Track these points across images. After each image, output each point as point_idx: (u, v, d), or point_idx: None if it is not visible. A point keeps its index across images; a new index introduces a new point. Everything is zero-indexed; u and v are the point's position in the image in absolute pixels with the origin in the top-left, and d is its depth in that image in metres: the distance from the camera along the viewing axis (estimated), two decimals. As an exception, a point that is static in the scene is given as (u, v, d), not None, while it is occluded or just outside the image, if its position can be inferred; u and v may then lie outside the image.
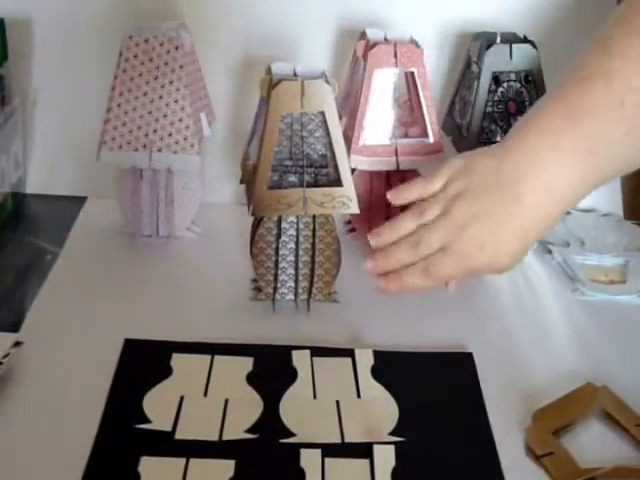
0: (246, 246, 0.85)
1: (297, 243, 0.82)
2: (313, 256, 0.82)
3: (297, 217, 0.82)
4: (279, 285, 0.83)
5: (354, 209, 0.80)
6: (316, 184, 0.80)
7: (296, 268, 0.83)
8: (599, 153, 0.66)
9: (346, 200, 0.79)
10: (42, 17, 1.01)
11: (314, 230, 0.82)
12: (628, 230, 0.99)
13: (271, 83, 0.78)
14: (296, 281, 0.84)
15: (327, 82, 0.78)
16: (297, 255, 0.83)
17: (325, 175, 0.80)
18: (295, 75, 0.80)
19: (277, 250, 0.82)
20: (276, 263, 0.83)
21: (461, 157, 0.73)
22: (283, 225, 0.82)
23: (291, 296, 0.84)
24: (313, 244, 0.82)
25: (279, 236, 0.82)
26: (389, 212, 0.94)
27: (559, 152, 0.67)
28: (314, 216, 0.81)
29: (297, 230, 0.82)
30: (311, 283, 0.83)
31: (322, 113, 0.78)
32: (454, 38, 1.01)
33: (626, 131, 0.65)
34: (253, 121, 0.84)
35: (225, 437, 0.68)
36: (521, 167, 0.68)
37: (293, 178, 0.80)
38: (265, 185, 0.79)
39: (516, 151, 0.69)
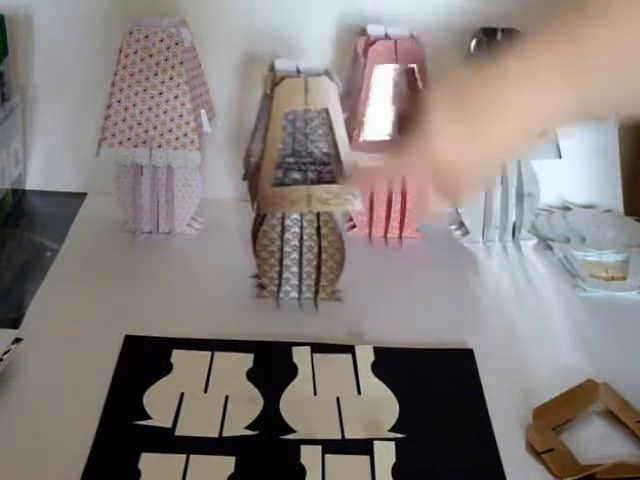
0: (247, 243, 0.85)
1: (301, 240, 0.82)
2: (319, 254, 0.82)
3: (300, 214, 0.81)
4: (283, 283, 0.83)
5: (358, 206, 0.80)
6: (320, 181, 0.80)
7: (300, 266, 0.83)
8: (581, 66, 0.63)
9: (350, 197, 0.79)
10: (42, 13, 1.01)
11: (318, 228, 0.82)
12: (629, 226, 0.99)
13: (274, 80, 0.78)
14: (300, 279, 0.83)
15: (331, 79, 0.78)
16: (301, 253, 0.83)
17: (329, 172, 0.80)
18: (298, 72, 0.80)
19: (281, 247, 0.82)
20: (280, 260, 0.83)
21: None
22: (286, 222, 0.82)
23: (294, 294, 0.84)
24: (318, 242, 0.82)
25: (282, 233, 0.82)
26: (390, 208, 0.95)
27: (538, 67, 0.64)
28: (318, 213, 0.81)
29: (301, 227, 0.82)
30: (317, 282, 0.83)
31: (326, 110, 0.78)
32: (455, 34, 1.01)
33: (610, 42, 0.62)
34: (255, 118, 0.84)
35: (225, 433, 0.68)
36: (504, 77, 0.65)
37: (297, 175, 0.80)
38: (269, 182, 0.79)
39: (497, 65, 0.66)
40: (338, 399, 0.72)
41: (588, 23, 0.63)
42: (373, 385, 0.73)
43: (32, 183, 1.03)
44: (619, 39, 0.63)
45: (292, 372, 0.74)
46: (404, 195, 0.94)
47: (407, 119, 0.71)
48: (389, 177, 0.75)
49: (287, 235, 0.82)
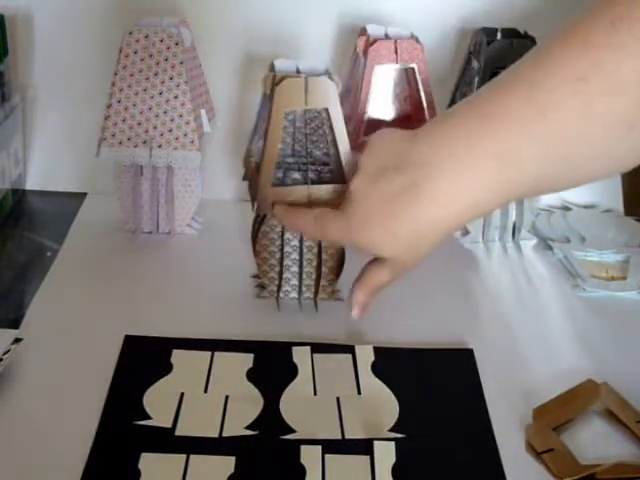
0: (247, 243, 0.85)
1: (301, 241, 0.82)
2: (319, 254, 0.82)
3: (300, 214, 0.81)
4: (283, 283, 0.83)
5: None
6: (320, 181, 0.80)
7: (300, 266, 0.83)
8: (509, 164, 0.60)
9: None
10: (42, 13, 1.01)
11: None
12: (629, 226, 0.99)
13: (274, 80, 0.78)
14: (300, 279, 0.84)
15: (331, 78, 0.78)
16: (301, 253, 0.83)
17: (329, 172, 0.80)
18: (298, 72, 0.80)
19: (281, 248, 0.82)
20: (280, 261, 0.83)
21: (373, 136, 0.70)
22: None
23: (295, 294, 0.84)
24: (318, 242, 0.82)
25: (283, 233, 0.82)
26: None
27: (466, 153, 0.62)
28: (318, 213, 0.81)
29: (300, 227, 0.82)
30: (317, 282, 0.83)
31: (326, 110, 0.78)
32: (455, 34, 1.01)
33: (544, 147, 0.59)
34: (255, 118, 0.84)
35: (225, 433, 0.68)
36: (425, 158, 0.63)
37: (297, 175, 0.80)
38: (269, 182, 0.79)
39: (426, 141, 0.64)
40: (338, 399, 0.72)
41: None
42: (373, 385, 0.73)
43: (32, 183, 1.03)
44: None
45: (292, 372, 0.74)
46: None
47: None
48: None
49: (287, 235, 0.82)
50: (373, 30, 0.92)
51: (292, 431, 0.68)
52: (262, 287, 0.84)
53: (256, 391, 0.72)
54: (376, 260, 0.70)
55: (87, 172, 1.01)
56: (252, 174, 0.82)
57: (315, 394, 0.72)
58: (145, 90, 0.89)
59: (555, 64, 0.59)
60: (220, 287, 0.86)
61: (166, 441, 0.66)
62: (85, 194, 1.01)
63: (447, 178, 0.62)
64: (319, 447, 0.66)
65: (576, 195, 1.03)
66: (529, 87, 0.59)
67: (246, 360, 0.75)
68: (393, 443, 0.66)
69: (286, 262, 0.83)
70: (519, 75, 0.61)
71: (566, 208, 1.02)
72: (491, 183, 0.62)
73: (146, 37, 0.88)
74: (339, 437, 0.68)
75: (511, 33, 0.93)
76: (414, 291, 0.87)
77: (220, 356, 0.75)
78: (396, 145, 0.66)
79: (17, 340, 0.74)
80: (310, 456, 0.65)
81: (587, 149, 0.60)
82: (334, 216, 0.69)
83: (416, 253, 0.67)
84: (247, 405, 0.70)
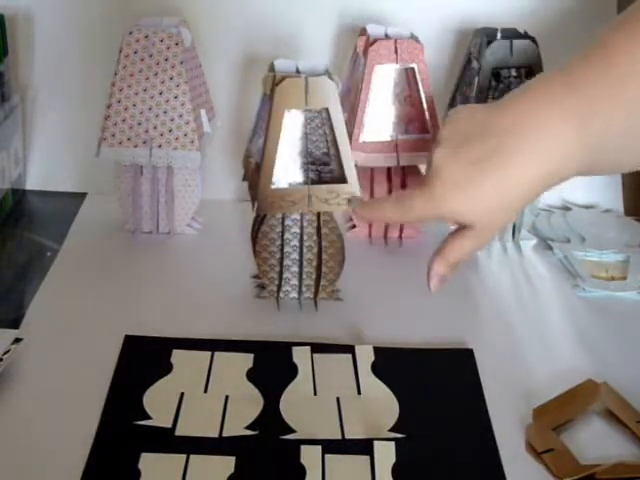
0: (247, 243, 0.85)
1: (301, 240, 0.82)
2: (319, 254, 0.82)
3: (300, 214, 0.81)
4: (283, 283, 0.83)
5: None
6: (320, 181, 0.80)
7: (300, 266, 0.83)
8: (593, 126, 0.63)
9: (350, 197, 0.79)
10: (42, 13, 1.01)
11: (318, 228, 0.82)
12: (629, 226, 0.99)
13: (274, 80, 0.78)
14: (300, 279, 0.84)
15: (331, 78, 0.78)
16: (301, 253, 0.83)
17: (329, 172, 0.80)
18: (298, 72, 0.80)
19: (281, 248, 0.82)
20: (280, 261, 0.83)
21: (452, 111, 0.71)
22: (287, 222, 0.82)
23: (295, 294, 0.84)
24: (318, 242, 0.82)
25: (283, 233, 0.82)
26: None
27: (549, 118, 0.64)
28: (318, 213, 0.81)
29: (301, 227, 0.82)
30: (317, 282, 0.83)
31: (326, 110, 0.78)
32: (455, 34, 1.01)
33: (625, 115, 0.62)
34: (255, 118, 0.84)
35: (225, 433, 0.68)
36: (508, 126, 0.65)
37: (297, 175, 0.80)
38: (270, 182, 0.79)
39: (507, 109, 0.66)
40: (338, 399, 0.72)
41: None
42: (373, 385, 0.73)
43: (32, 183, 1.03)
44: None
45: (292, 372, 0.74)
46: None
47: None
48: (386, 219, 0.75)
49: (287, 235, 0.82)
50: (373, 30, 0.92)
51: (292, 431, 0.68)
52: (262, 287, 0.84)
53: (256, 391, 0.72)
54: (457, 232, 0.70)
55: (87, 172, 1.01)
56: (252, 174, 0.82)
57: (315, 394, 0.72)
58: (145, 90, 0.88)
59: (637, 32, 0.61)
60: (220, 287, 0.86)
61: (166, 441, 0.66)
62: (85, 194, 1.01)
63: (531, 144, 0.64)
64: (319, 447, 0.66)
65: (576, 195, 1.03)
66: (607, 57, 0.62)
67: (246, 360, 0.75)
68: (393, 443, 0.66)
69: (286, 262, 0.83)
70: (597, 46, 0.63)
71: (566, 208, 1.02)
72: (573, 149, 0.63)
73: (146, 37, 0.88)
74: (339, 437, 0.68)
75: (511, 33, 0.93)
76: (414, 291, 0.87)
77: (220, 356, 0.75)
78: (477, 116, 0.68)
79: (17, 340, 0.74)
80: (310, 456, 0.65)
81: None
82: (414, 193, 0.69)
83: (499, 220, 0.68)
84: (247, 405, 0.70)
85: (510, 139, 0.65)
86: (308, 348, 0.76)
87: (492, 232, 0.70)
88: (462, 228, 0.69)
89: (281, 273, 0.83)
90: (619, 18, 0.63)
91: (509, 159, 0.65)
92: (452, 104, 0.98)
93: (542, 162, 0.64)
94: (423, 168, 0.90)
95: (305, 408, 0.70)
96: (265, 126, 0.79)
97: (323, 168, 0.80)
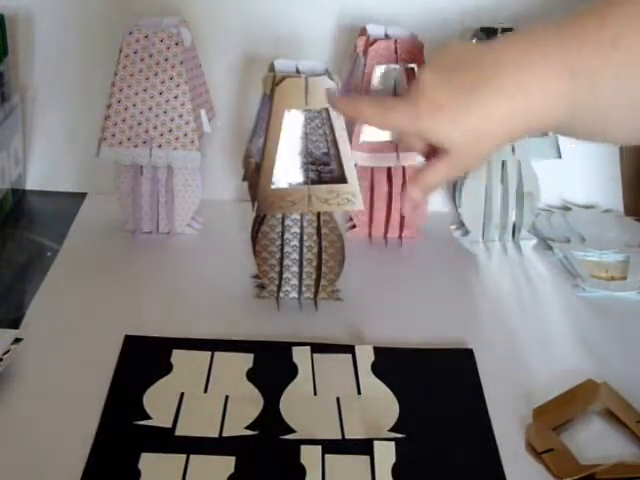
0: (247, 243, 0.85)
1: (301, 240, 0.82)
2: (319, 254, 0.82)
3: (300, 214, 0.81)
4: (283, 283, 0.83)
5: (359, 206, 0.80)
6: (320, 181, 0.80)
7: (300, 266, 0.83)
8: (580, 80, 0.64)
9: (351, 197, 0.79)
10: (42, 13, 1.01)
11: (318, 228, 0.82)
12: (629, 226, 0.99)
13: (274, 80, 0.78)
14: (300, 279, 0.84)
15: (331, 78, 0.78)
16: (301, 253, 0.83)
17: (329, 172, 0.80)
18: (298, 72, 0.80)
19: (281, 248, 0.82)
20: (280, 261, 0.83)
21: (447, 43, 0.72)
22: (287, 222, 0.82)
23: (295, 294, 0.84)
24: (318, 242, 0.82)
25: (283, 233, 0.82)
26: (390, 208, 0.95)
27: (542, 61, 0.65)
28: (318, 213, 0.81)
29: (301, 227, 0.82)
30: (317, 282, 0.83)
31: (326, 110, 0.78)
32: (454, 34, 1.01)
33: (613, 75, 0.63)
34: (255, 118, 0.84)
35: (225, 433, 0.68)
36: (501, 60, 0.66)
37: (297, 175, 0.80)
38: (270, 183, 0.79)
39: (502, 47, 0.68)
40: (338, 399, 0.72)
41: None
42: (373, 385, 0.73)
43: (32, 183, 1.03)
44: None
45: (292, 372, 0.74)
46: (404, 194, 0.94)
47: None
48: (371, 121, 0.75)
49: (287, 235, 0.82)
50: (373, 30, 0.92)
51: (292, 431, 0.68)
52: (262, 287, 0.84)
53: (256, 391, 0.72)
54: (433, 159, 0.71)
55: (87, 172, 1.01)
56: (252, 174, 0.82)
57: (315, 394, 0.72)
58: (145, 90, 0.88)
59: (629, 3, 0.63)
60: (220, 287, 0.86)
61: (166, 441, 0.66)
62: (85, 194, 1.01)
63: (521, 81, 0.65)
64: (319, 447, 0.66)
65: (576, 195, 1.03)
66: (601, 18, 0.64)
67: (246, 360, 0.75)
68: (393, 443, 0.66)
69: (286, 262, 0.83)
70: (593, 9, 0.65)
71: (566, 208, 1.02)
72: (560, 94, 0.65)
73: (146, 37, 0.88)
74: (339, 437, 0.68)
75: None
76: (414, 291, 0.87)
77: (220, 356, 0.75)
78: (472, 48, 0.70)
79: (17, 340, 0.74)
80: (310, 456, 0.65)
81: None
82: (400, 102, 0.70)
83: (477, 150, 0.69)
84: (247, 405, 0.70)
85: (501, 73, 0.66)
86: (308, 348, 0.76)
87: (467, 162, 0.71)
88: (438, 153, 0.70)
89: (281, 273, 0.83)
90: None
91: (499, 92, 0.66)
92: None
93: (526, 102, 0.65)
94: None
95: (305, 408, 0.70)
96: (265, 126, 0.79)
97: (323, 168, 0.80)
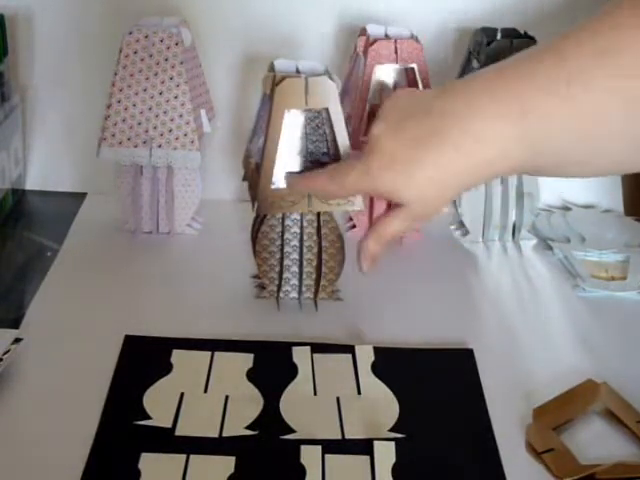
0: (247, 243, 0.85)
1: (301, 241, 0.82)
2: (319, 254, 0.82)
3: (300, 214, 0.81)
4: (283, 283, 0.83)
5: (359, 206, 0.80)
6: None
7: (300, 266, 0.83)
8: (533, 119, 0.62)
9: (351, 197, 0.79)
10: (42, 13, 1.01)
11: (318, 228, 0.82)
12: (629, 226, 0.99)
13: (274, 80, 0.78)
14: (300, 279, 0.84)
15: (331, 78, 0.78)
16: (301, 253, 0.83)
17: None
18: (298, 72, 0.80)
19: (281, 248, 0.82)
20: (280, 261, 0.83)
21: (394, 92, 0.72)
22: (286, 222, 0.82)
23: (295, 294, 0.84)
24: (318, 242, 0.82)
25: (283, 233, 0.82)
26: (390, 208, 0.94)
27: (490, 104, 0.63)
28: (318, 213, 0.81)
29: (301, 227, 0.82)
30: (317, 282, 0.83)
31: (326, 110, 0.78)
32: (454, 34, 1.01)
33: (568, 115, 0.61)
34: (255, 118, 0.84)
35: (225, 433, 0.68)
36: (450, 108, 0.65)
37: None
38: (270, 183, 0.79)
39: (451, 94, 0.66)
40: (338, 399, 0.72)
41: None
42: (373, 385, 0.73)
43: (32, 183, 1.03)
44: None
45: (292, 372, 0.74)
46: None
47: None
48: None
49: (287, 235, 0.82)
50: (373, 30, 0.92)
51: (292, 431, 0.68)
52: (262, 287, 0.84)
53: (256, 391, 0.72)
54: (390, 210, 0.71)
55: (87, 172, 1.01)
56: (252, 174, 0.82)
57: (315, 394, 0.72)
58: (145, 90, 0.88)
59: (584, 37, 0.61)
60: (220, 287, 0.86)
61: (166, 441, 0.66)
62: (85, 194, 1.01)
63: (471, 129, 0.64)
64: (319, 447, 0.66)
65: (576, 195, 1.03)
66: (556, 55, 0.61)
67: (246, 360, 0.75)
68: (393, 443, 0.66)
69: (286, 262, 0.83)
70: (547, 45, 0.63)
71: (566, 208, 1.02)
72: (512, 140, 0.63)
73: (146, 37, 0.88)
74: (339, 437, 0.68)
75: (511, 33, 0.93)
76: (414, 291, 0.87)
77: (220, 356, 0.75)
78: (420, 96, 0.69)
79: (17, 340, 0.74)
80: (310, 456, 0.65)
81: (607, 125, 0.61)
82: (351, 165, 0.70)
83: (433, 202, 0.68)
84: (247, 405, 0.70)
85: (451, 122, 0.64)
86: (308, 348, 0.76)
87: (424, 214, 0.70)
88: (395, 206, 0.70)
89: (281, 273, 0.83)
90: (571, 28, 0.63)
91: (448, 142, 0.64)
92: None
93: (479, 150, 0.64)
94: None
95: (305, 408, 0.70)
96: (265, 126, 0.79)
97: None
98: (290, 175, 0.78)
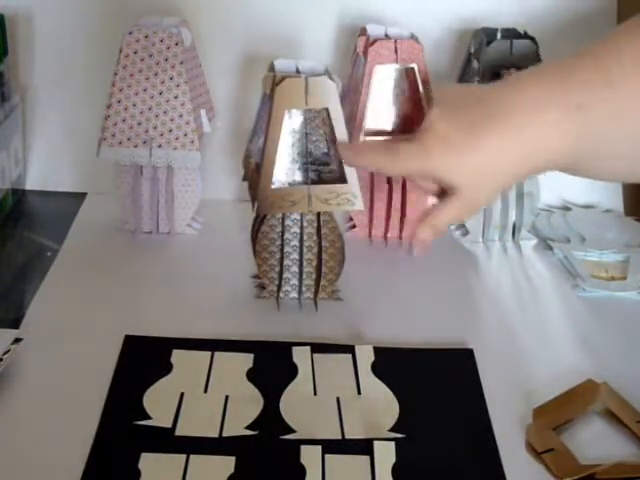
0: (247, 243, 0.85)
1: (301, 241, 0.82)
2: (319, 254, 0.82)
3: (300, 214, 0.81)
4: (283, 283, 0.83)
5: (359, 206, 0.80)
6: (320, 181, 0.80)
7: (300, 266, 0.83)
8: (581, 117, 0.64)
9: (351, 197, 0.79)
10: (42, 13, 1.01)
11: (318, 228, 0.82)
12: (629, 226, 0.99)
13: (274, 80, 0.78)
14: (300, 279, 0.84)
15: (331, 78, 0.78)
16: (301, 253, 0.83)
17: (329, 172, 0.80)
18: (298, 72, 0.80)
19: (281, 248, 0.82)
20: (280, 261, 0.83)
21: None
22: (287, 222, 0.82)
23: (295, 294, 0.84)
24: (318, 242, 0.82)
25: (283, 233, 0.82)
26: (390, 208, 0.95)
27: (547, 99, 0.65)
28: (318, 213, 0.81)
29: (301, 227, 0.82)
30: (317, 282, 0.83)
31: (326, 110, 0.78)
32: (455, 34, 1.01)
33: (608, 113, 0.63)
34: (255, 118, 0.84)
35: (225, 433, 0.68)
36: (507, 98, 0.66)
37: (297, 175, 0.80)
38: (270, 183, 0.79)
39: (506, 87, 0.68)
40: (338, 399, 0.72)
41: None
42: (373, 385, 0.73)
43: (32, 183, 1.03)
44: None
45: (292, 372, 0.74)
46: (404, 195, 0.94)
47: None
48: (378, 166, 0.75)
49: (287, 235, 0.82)
50: (373, 30, 0.92)
51: (292, 431, 0.68)
52: (262, 287, 0.84)
53: (256, 391, 0.72)
54: (442, 200, 0.71)
55: (87, 172, 1.01)
56: (252, 174, 0.82)
57: (315, 394, 0.72)
58: (145, 90, 0.88)
59: (625, 41, 0.63)
60: (220, 287, 0.86)
61: (166, 441, 0.66)
62: (85, 194, 1.01)
63: (527, 116, 0.65)
64: (319, 447, 0.66)
65: (576, 195, 1.03)
66: (596, 57, 0.64)
67: (246, 360, 0.75)
68: (393, 443, 0.66)
69: (286, 262, 0.83)
70: (589, 49, 0.65)
71: (566, 208, 1.02)
72: (560, 132, 0.64)
73: (146, 37, 0.88)
74: (339, 437, 0.68)
75: (511, 33, 0.93)
76: (414, 291, 0.87)
77: (220, 356, 0.75)
78: (474, 87, 0.72)
79: (17, 340, 0.74)
80: (310, 456, 0.65)
81: None
82: (408, 143, 0.69)
83: (484, 189, 0.69)
84: (247, 405, 0.70)
85: (510, 111, 0.65)
86: (308, 348, 0.76)
87: (477, 202, 0.70)
88: (447, 195, 0.69)
89: (281, 273, 0.83)
90: (608, 34, 0.65)
91: (509, 126, 0.65)
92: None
93: (535, 139, 0.65)
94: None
95: (305, 408, 0.70)
96: (265, 126, 0.79)
97: (323, 168, 0.80)
98: (342, 146, 0.77)
